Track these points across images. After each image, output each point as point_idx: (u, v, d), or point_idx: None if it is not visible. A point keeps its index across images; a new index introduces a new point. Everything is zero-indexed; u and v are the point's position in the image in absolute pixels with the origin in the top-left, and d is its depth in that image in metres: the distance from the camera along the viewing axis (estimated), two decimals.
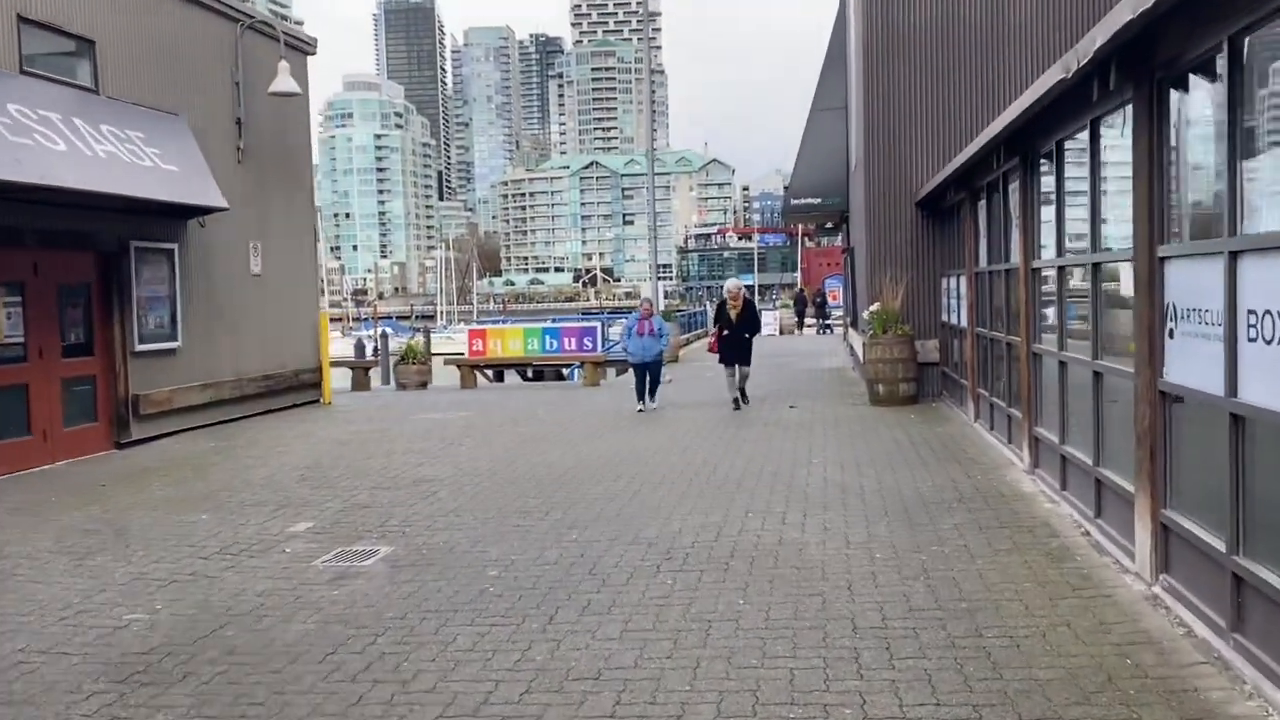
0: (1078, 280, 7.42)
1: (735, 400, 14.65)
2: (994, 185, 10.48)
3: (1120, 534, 6.18)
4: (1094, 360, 6.75)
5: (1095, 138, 6.61)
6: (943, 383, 14.78)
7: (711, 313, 20.96)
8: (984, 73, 14.55)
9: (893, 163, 15.11)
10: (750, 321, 15.19)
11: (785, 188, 25.73)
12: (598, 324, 25.82)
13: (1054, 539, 6.78)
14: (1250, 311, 4.31)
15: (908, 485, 8.77)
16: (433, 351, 32.11)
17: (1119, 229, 6.41)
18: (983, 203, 11.36)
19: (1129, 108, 5.73)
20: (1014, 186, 9.42)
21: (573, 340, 23.82)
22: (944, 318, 14.61)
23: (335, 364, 20.70)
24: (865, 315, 15.62)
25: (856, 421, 12.88)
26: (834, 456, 10.34)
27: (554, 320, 34.39)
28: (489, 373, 27.09)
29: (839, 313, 34.25)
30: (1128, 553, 5.98)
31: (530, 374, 26.56)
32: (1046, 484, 8.18)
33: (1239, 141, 4.42)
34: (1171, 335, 5.27)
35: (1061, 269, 7.68)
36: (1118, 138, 6.26)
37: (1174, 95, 5.29)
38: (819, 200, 22.73)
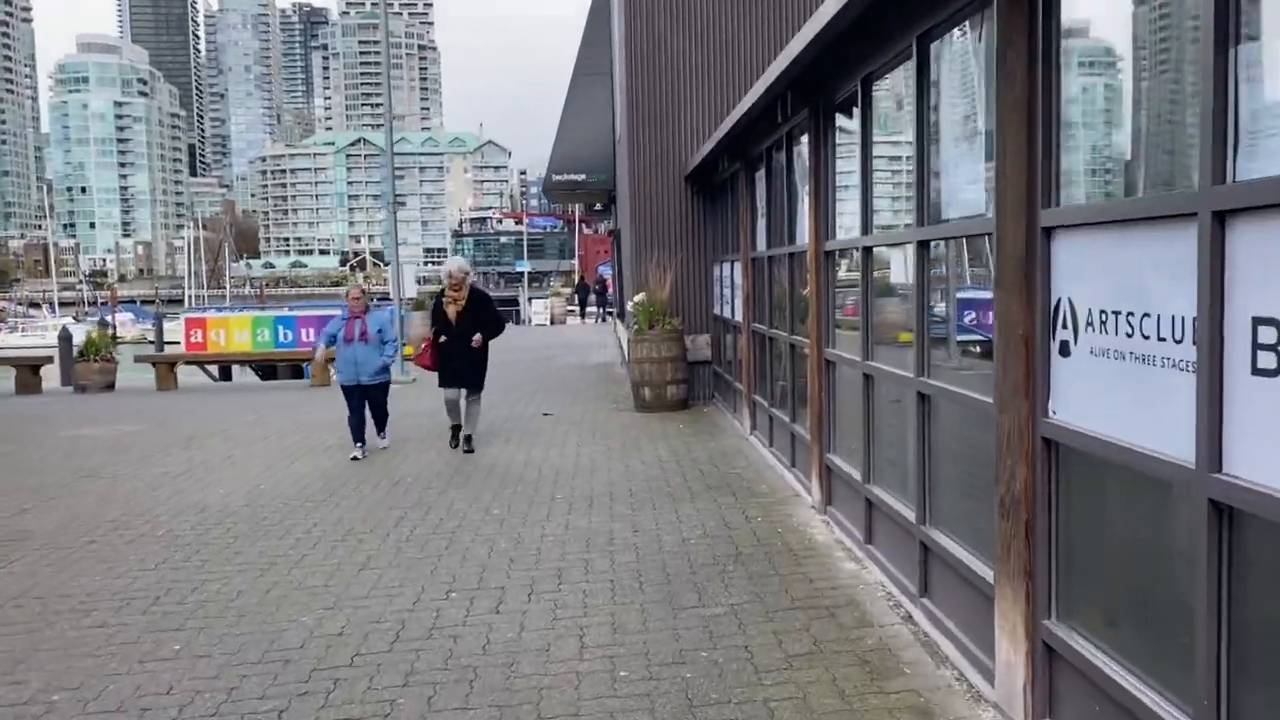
0: (894, 266, 5.52)
1: (455, 430, 10.10)
2: (776, 150, 8.59)
3: (965, 634, 4.29)
4: (919, 378, 4.84)
5: (923, 67, 4.67)
6: (715, 384, 12.99)
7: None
8: (766, 26, 12.80)
9: (660, 132, 13.18)
10: (483, 321, 9.88)
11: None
12: (338, 310, 22.66)
13: (867, 630, 4.83)
14: (1261, 321, 2.38)
15: (671, 533, 6.70)
16: (166, 340, 27.85)
17: (963, 193, 4.50)
18: (761, 173, 9.49)
19: (992, 7, 3.78)
20: (802, 148, 7.52)
21: (310, 330, 20.53)
22: (716, 310, 12.80)
23: None
24: (630, 306, 13.61)
25: (618, 433, 10.81)
26: (584, 487, 8.18)
27: (290, 308, 30.60)
28: (214, 370, 23.38)
29: None
30: (981, 668, 4.08)
31: (259, 371, 23.03)
32: (845, 531, 6.31)
33: (1231, 23, 2.48)
34: (1066, 352, 3.35)
35: (869, 251, 5.75)
36: (962, 63, 4.35)
37: None
38: (583, 177, 20.56)
